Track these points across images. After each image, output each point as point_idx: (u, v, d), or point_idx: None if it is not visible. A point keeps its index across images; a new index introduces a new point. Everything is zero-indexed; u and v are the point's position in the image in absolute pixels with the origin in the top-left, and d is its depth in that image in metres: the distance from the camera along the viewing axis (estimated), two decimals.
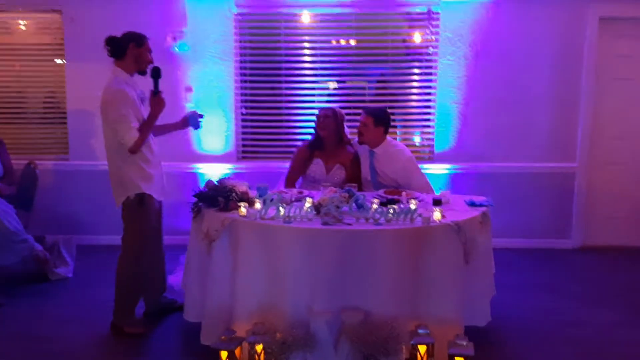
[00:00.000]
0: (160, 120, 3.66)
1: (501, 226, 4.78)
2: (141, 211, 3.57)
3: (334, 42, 5.36)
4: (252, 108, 5.46)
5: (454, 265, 3.21)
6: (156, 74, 3.58)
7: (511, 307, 3.99)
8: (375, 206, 3.31)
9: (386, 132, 4.20)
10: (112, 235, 5.32)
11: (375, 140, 4.17)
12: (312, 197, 3.49)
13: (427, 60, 5.32)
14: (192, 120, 3.83)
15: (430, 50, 5.30)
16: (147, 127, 3.52)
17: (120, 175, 3.52)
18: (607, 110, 5.32)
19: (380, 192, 3.83)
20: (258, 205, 3.33)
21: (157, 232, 3.82)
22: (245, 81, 5.40)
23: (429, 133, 5.40)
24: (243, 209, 3.29)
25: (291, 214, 3.22)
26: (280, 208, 3.22)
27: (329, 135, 4.23)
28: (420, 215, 3.20)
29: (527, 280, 4.61)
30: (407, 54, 5.36)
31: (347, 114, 4.54)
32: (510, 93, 5.25)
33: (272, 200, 3.29)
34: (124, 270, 3.63)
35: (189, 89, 5.30)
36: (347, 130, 4.35)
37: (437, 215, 3.22)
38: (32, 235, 4.60)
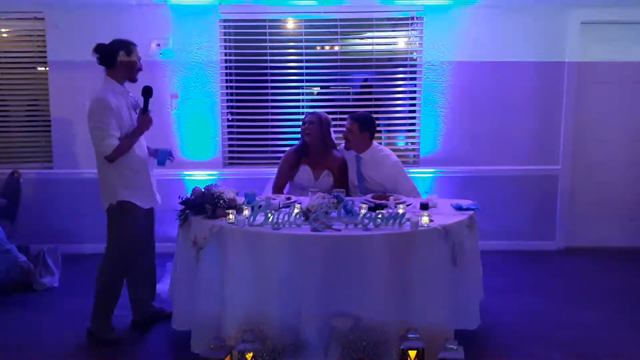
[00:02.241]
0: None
1: (486, 229, 4.81)
2: (123, 219, 3.55)
3: (319, 48, 5.37)
4: (238, 114, 5.45)
5: (442, 269, 3.23)
6: (147, 93, 3.59)
7: (499, 310, 4.02)
8: (363, 211, 3.32)
9: (372, 137, 4.22)
10: (98, 244, 5.20)
11: (361, 146, 4.19)
12: (300, 203, 3.50)
13: (411, 66, 5.36)
14: (161, 156, 3.77)
15: (415, 55, 5.34)
16: (129, 140, 3.51)
17: (105, 181, 3.55)
18: (589, 113, 5.39)
19: (368, 197, 3.84)
20: (246, 212, 3.33)
21: (144, 240, 3.78)
22: (231, 87, 5.40)
23: (414, 137, 5.43)
24: (231, 216, 3.29)
25: (280, 220, 3.22)
26: (269, 214, 3.22)
27: (314, 141, 4.22)
28: (408, 219, 3.22)
29: (513, 282, 4.65)
30: (391, 59, 5.39)
31: (333, 119, 4.55)
32: (494, 97, 5.30)
33: (260, 206, 3.28)
34: (103, 276, 3.62)
35: (174, 96, 5.28)
36: (333, 135, 4.36)
37: (425, 219, 3.24)
38: (16, 245, 4.55)
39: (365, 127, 4.15)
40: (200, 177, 5.27)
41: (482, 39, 5.22)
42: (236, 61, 5.37)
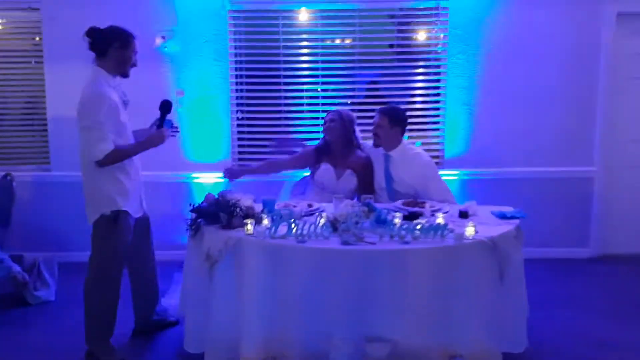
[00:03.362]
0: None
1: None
2: (115, 229, 3.15)
3: (338, 41, 4.99)
4: (249, 112, 5.07)
5: (488, 286, 2.88)
6: (166, 108, 3.29)
7: (541, 328, 3.65)
8: (397, 221, 2.95)
9: (403, 133, 3.86)
10: None
11: (391, 143, 3.83)
12: (324, 211, 3.14)
13: (435, 59, 4.98)
14: (168, 125, 3.35)
15: (439, 48, 4.96)
16: (132, 150, 3.17)
17: (95, 189, 3.14)
18: (625, 111, 5.01)
19: (398, 203, 3.47)
20: (266, 221, 2.96)
21: (139, 249, 3.44)
22: (242, 83, 5.02)
23: (438, 137, 5.05)
24: (249, 227, 2.92)
25: (305, 232, 2.85)
26: (293, 225, 2.85)
27: (336, 140, 3.93)
28: (451, 231, 2.84)
29: (548, 294, 4.28)
30: (414, 52, 5.01)
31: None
32: (524, 93, 4.92)
33: (282, 216, 2.91)
34: (90, 293, 3.21)
35: (179, 92, 4.90)
36: (358, 133, 4.00)
37: (469, 230, 2.87)
38: (9, 254, 4.17)
39: (396, 122, 3.79)
40: (208, 180, 4.90)
41: (512, 31, 4.84)
42: (247, 55, 5.00)
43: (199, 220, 3.14)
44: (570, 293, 4.34)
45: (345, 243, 2.76)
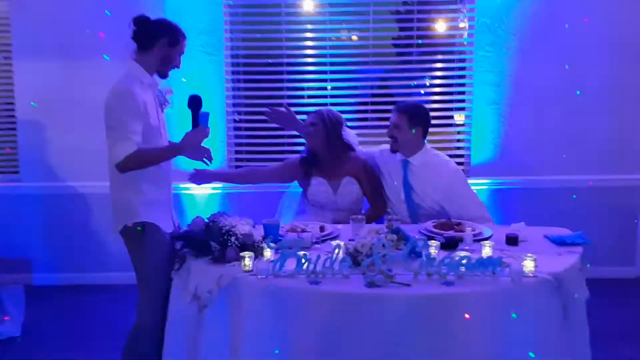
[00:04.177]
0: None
1: None
2: (144, 243, 2.67)
3: (352, 37, 4.38)
4: (247, 113, 4.44)
5: (551, 331, 2.26)
6: (195, 105, 2.74)
7: None
8: (434, 251, 2.34)
9: (425, 135, 3.25)
10: (73, 273, 4.40)
11: (411, 147, 3.22)
12: (337, 236, 2.55)
13: (460, 52, 4.36)
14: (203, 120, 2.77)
15: (465, 39, 4.34)
16: (161, 154, 2.71)
17: (116, 198, 2.73)
18: None
19: (428, 225, 2.85)
20: (268, 253, 2.35)
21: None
22: (239, 81, 4.40)
23: (463, 141, 4.43)
24: (247, 261, 2.30)
25: (319, 269, 2.22)
26: (303, 260, 2.23)
27: (320, 146, 3.30)
28: (506, 265, 2.22)
29: (603, 324, 3.62)
30: (435, 45, 4.40)
31: (362, 119, 3.57)
32: (562, 91, 4.29)
33: (289, 247, 2.30)
34: (142, 319, 2.67)
35: (168, 91, 4.25)
36: (348, 135, 3.41)
37: (529, 265, 2.24)
38: None
39: (416, 122, 3.18)
40: (200, 191, 4.27)
41: (548, 20, 4.22)
42: (245, 49, 4.37)
43: (185, 249, 2.53)
44: (627, 322, 3.75)
45: (371, 284, 2.14)
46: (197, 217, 2.61)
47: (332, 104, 4.36)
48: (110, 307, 3.99)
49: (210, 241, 2.41)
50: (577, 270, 2.42)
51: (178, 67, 2.79)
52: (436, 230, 2.75)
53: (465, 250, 2.50)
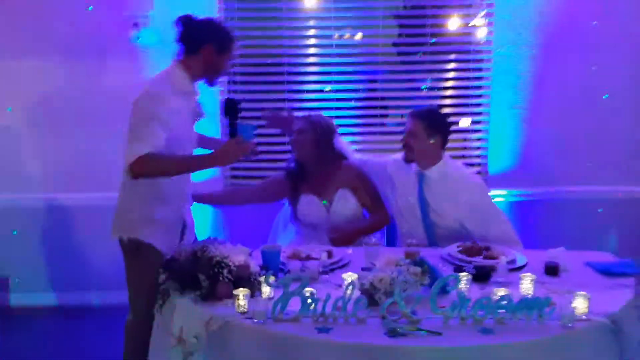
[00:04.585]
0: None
1: None
2: (136, 260, 2.48)
3: (356, 36, 4.00)
4: (243, 117, 4.04)
5: None
6: (232, 111, 2.41)
7: None
8: (464, 286, 1.96)
9: (444, 144, 2.88)
10: (53, 293, 4.02)
11: (429, 158, 2.86)
12: (348, 264, 2.19)
13: (477, 52, 3.98)
14: (244, 132, 2.41)
15: (483, 37, 3.96)
16: (180, 163, 2.41)
17: (120, 204, 2.54)
18: None
19: (452, 249, 2.48)
20: (267, 291, 1.97)
21: None
22: (235, 82, 4.02)
23: (479, 148, 4.05)
24: (241, 300, 1.92)
25: (328, 312, 1.84)
26: (309, 300, 1.85)
27: (309, 157, 2.95)
28: (553, 305, 1.85)
29: None
30: (449, 43, 4.02)
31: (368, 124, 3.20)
32: (590, 94, 3.91)
33: (295, 281, 1.91)
34: (129, 334, 2.53)
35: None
36: (342, 144, 3.07)
37: (581, 305, 1.86)
38: None
39: (434, 129, 2.82)
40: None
41: (574, 16, 3.84)
42: (241, 47, 3.97)
43: (168, 281, 2.15)
44: None
45: (392, 333, 1.76)
46: (182, 244, 2.24)
47: (337, 108, 3.99)
48: (94, 331, 3.66)
49: (199, 274, 2.04)
50: (633, 307, 2.04)
51: (226, 74, 2.58)
52: (462, 257, 2.38)
53: (499, 282, 2.13)
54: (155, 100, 2.34)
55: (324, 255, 2.32)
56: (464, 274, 2.03)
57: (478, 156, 4.05)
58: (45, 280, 4.03)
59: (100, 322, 3.74)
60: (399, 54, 4.11)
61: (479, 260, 2.34)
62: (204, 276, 2.02)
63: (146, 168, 2.27)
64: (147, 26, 3.82)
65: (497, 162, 4.00)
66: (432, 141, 2.79)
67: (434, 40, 3.94)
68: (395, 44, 4.10)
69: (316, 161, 2.93)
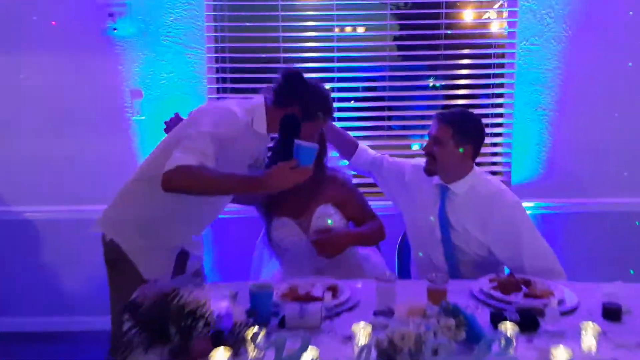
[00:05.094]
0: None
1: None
2: (120, 278, 2.19)
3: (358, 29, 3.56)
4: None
5: None
6: (291, 129, 2.08)
7: None
8: (511, 334, 1.51)
9: (475, 155, 2.42)
10: (21, 318, 3.56)
11: (455, 171, 2.40)
12: (357, 305, 1.72)
13: (498, 45, 3.54)
14: (303, 155, 1.98)
15: (505, 29, 3.51)
16: (227, 182, 2.04)
17: (117, 201, 2.27)
18: None
19: (483, 283, 2.03)
20: (254, 352, 1.51)
21: None
22: (225, 81, 3.56)
23: (501, 154, 3.61)
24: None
25: None
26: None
27: None
28: None
29: None
30: (467, 36, 3.58)
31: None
32: (626, 95, 3.47)
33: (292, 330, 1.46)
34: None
35: (136, 94, 3.44)
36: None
37: None
38: None
39: (465, 137, 2.37)
40: None
41: (610, 7, 3.40)
42: (232, 40, 3.53)
43: (132, 331, 1.69)
44: None
45: None
46: (148, 282, 1.78)
47: (340, 109, 3.55)
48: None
49: (167, 324, 1.58)
50: None
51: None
52: (499, 296, 1.92)
53: (551, 332, 1.69)
54: (228, 120, 2.12)
55: (328, 297, 1.86)
56: (510, 325, 1.57)
57: (499, 163, 3.60)
58: (10, 305, 3.58)
59: (79, 347, 3.34)
60: (401, 48, 3.66)
61: (520, 299, 1.88)
62: (175, 328, 1.57)
63: (183, 180, 1.95)
64: (124, 16, 3.38)
65: (520, 171, 3.56)
66: (461, 150, 2.33)
67: (449, 32, 3.48)
68: (397, 38, 3.65)
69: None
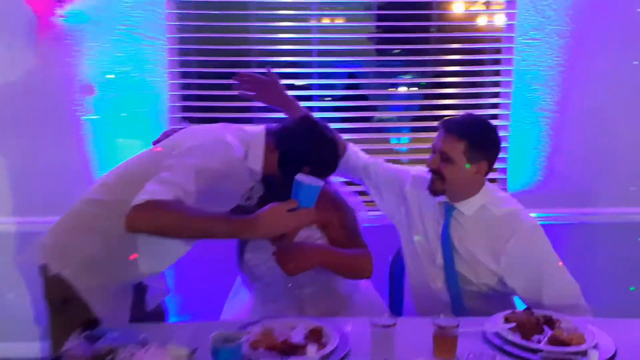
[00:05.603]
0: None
1: (623, 307, 2.64)
2: (65, 317, 1.75)
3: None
4: (199, 120, 3.19)
5: None
6: (290, 163, 1.84)
7: None
8: None
9: (489, 170, 2.07)
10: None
11: (464, 187, 2.04)
12: (349, 354, 1.38)
13: (494, 40, 3.21)
14: (306, 195, 1.66)
15: (503, 22, 3.19)
16: (204, 222, 1.66)
17: (69, 226, 1.86)
18: None
19: (498, 323, 1.68)
20: None
21: None
22: (189, 76, 3.17)
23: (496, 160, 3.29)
24: None
25: None
26: None
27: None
28: None
29: None
30: (457, 28, 3.25)
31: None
32: (632, 96, 3.18)
33: None
34: None
35: (87, 90, 3.04)
36: None
37: None
38: None
39: (481, 152, 2.01)
40: None
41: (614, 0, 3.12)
42: (197, 30, 3.13)
43: None
44: None
45: None
46: (85, 332, 1.40)
47: (321, 109, 3.19)
48: None
49: None
50: None
51: None
52: (519, 342, 1.58)
53: None
54: (221, 153, 1.76)
55: (312, 350, 1.48)
56: None
57: (494, 169, 3.27)
58: None
59: None
60: (385, 41, 3.30)
61: (545, 346, 1.54)
62: None
63: (154, 218, 1.58)
64: (76, 2, 2.96)
65: (517, 178, 3.25)
66: (468, 166, 1.98)
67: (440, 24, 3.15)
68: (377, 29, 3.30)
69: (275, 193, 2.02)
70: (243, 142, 1.84)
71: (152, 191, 1.58)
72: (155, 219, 1.57)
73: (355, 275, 2.04)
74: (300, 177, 1.62)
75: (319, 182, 1.65)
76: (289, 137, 1.87)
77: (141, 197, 1.56)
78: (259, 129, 1.91)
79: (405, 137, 3.41)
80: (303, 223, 1.66)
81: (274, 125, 1.93)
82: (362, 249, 2.05)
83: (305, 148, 1.83)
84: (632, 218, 3.24)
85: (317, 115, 3.00)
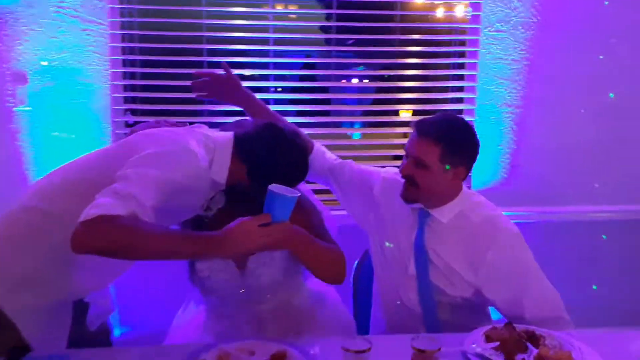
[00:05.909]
0: None
1: (584, 309, 2.56)
2: None
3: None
4: (144, 113, 2.95)
5: None
6: (262, 171, 1.69)
7: None
8: None
9: (466, 175, 1.91)
10: None
11: (439, 193, 1.88)
12: None
13: (459, 32, 3.08)
14: (280, 207, 1.51)
15: (467, 12, 3.06)
16: (171, 245, 1.46)
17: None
18: None
19: (478, 339, 1.55)
20: None
21: None
22: (134, 64, 2.92)
23: None
24: None
25: None
26: None
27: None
28: None
29: None
30: (418, 18, 3.11)
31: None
32: (600, 90, 3.11)
33: None
34: None
35: (20, 78, 2.75)
36: None
37: None
38: None
39: (458, 156, 1.84)
40: None
41: None
42: (142, 14, 2.88)
43: None
44: None
45: None
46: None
47: (277, 101, 3.00)
48: None
49: None
50: None
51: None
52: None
53: None
54: (187, 163, 1.57)
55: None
56: None
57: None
58: None
59: None
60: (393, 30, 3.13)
61: None
62: None
63: (105, 236, 1.36)
64: None
65: (480, 175, 3.12)
66: (449, 172, 1.82)
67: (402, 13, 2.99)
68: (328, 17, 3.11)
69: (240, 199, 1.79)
70: (208, 150, 1.66)
71: (103, 205, 1.37)
72: (108, 237, 1.36)
73: (327, 274, 1.76)
74: (274, 187, 1.42)
75: (295, 193, 1.46)
76: (257, 147, 1.69)
77: (91, 212, 1.35)
78: (227, 136, 1.72)
79: (357, 132, 3.27)
80: (278, 240, 1.47)
81: (241, 132, 1.73)
82: (335, 245, 1.83)
83: (275, 159, 1.66)
84: (597, 216, 3.19)
85: (273, 108, 2.82)
